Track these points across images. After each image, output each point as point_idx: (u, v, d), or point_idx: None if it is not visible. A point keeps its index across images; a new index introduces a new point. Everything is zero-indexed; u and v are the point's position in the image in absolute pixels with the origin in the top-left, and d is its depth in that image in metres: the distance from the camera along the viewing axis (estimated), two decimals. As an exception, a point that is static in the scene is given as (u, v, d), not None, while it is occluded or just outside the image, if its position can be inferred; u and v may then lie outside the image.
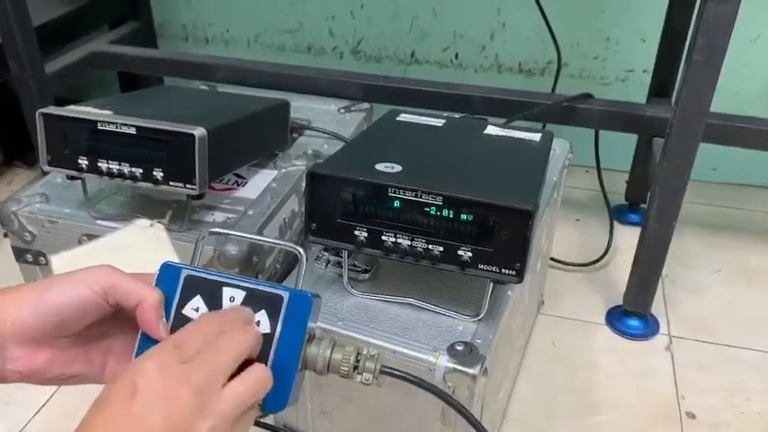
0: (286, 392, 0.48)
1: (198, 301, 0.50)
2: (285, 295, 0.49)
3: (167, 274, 0.50)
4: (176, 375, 0.41)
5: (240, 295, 0.50)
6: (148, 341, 0.49)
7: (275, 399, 0.48)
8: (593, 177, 1.42)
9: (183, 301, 0.50)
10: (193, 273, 0.50)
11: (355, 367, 0.52)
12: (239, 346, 0.44)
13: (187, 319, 0.49)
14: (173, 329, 0.49)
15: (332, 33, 1.69)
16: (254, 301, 0.49)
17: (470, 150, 0.87)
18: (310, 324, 0.50)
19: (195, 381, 0.41)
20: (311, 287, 0.77)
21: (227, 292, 0.50)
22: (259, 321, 0.49)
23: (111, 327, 0.52)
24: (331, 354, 0.51)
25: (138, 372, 0.41)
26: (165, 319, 0.49)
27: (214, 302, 0.50)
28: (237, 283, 0.50)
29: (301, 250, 0.53)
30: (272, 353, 0.48)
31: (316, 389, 0.79)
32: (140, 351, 0.49)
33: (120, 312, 0.50)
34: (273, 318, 0.49)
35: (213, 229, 0.56)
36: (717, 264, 1.35)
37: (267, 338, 0.48)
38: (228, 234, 0.57)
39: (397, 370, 0.56)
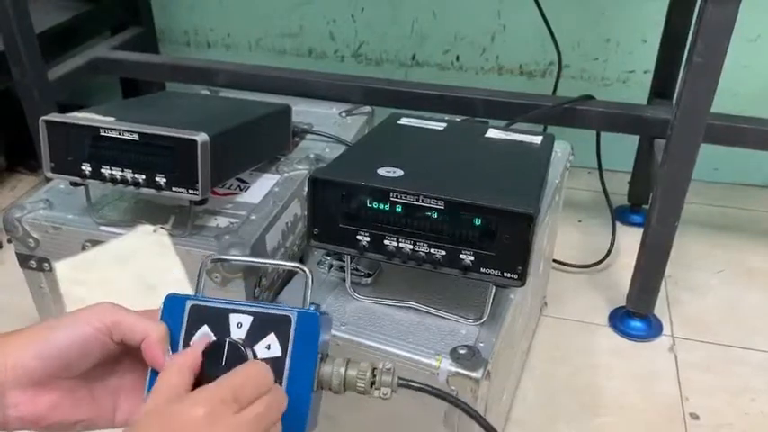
0: (304, 414, 0.47)
1: (205, 331, 0.49)
2: (293, 316, 0.48)
3: (172, 306, 0.50)
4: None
5: (248, 320, 0.49)
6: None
7: (294, 422, 0.47)
8: (595, 179, 1.42)
9: (190, 332, 0.49)
10: (198, 302, 0.50)
11: (372, 383, 0.51)
12: None
13: None
14: None
15: (333, 37, 1.69)
16: (261, 325, 0.48)
17: (472, 154, 0.87)
18: (322, 339, 0.49)
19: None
20: (313, 292, 0.77)
21: (233, 318, 0.49)
22: (269, 345, 0.48)
23: (117, 365, 0.51)
24: (346, 371, 0.50)
25: (189, 417, 0.41)
26: (170, 352, 0.48)
27: (222, 330, 0.49)
28: (244, 308, 0.49)
29: (307, 271, 0.52)
30: (285, 376, 0.47)
31: (319, 393, 0.79)
32: (152, 388, 0.48)
33: (127, 350, 0.49)
34: (283, 340, 0.48)
35: (217, 256, 0.56)
36: (719, 264, 1.35)
37: (279, 362, 0.47)
38: (232, 260, 0.56)
39: (415, 382, 0.55)
